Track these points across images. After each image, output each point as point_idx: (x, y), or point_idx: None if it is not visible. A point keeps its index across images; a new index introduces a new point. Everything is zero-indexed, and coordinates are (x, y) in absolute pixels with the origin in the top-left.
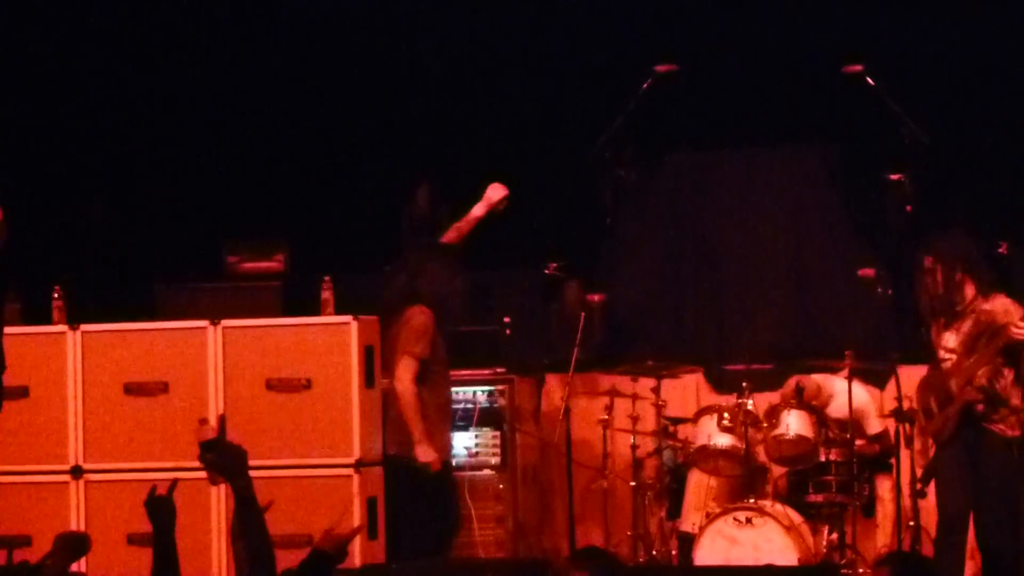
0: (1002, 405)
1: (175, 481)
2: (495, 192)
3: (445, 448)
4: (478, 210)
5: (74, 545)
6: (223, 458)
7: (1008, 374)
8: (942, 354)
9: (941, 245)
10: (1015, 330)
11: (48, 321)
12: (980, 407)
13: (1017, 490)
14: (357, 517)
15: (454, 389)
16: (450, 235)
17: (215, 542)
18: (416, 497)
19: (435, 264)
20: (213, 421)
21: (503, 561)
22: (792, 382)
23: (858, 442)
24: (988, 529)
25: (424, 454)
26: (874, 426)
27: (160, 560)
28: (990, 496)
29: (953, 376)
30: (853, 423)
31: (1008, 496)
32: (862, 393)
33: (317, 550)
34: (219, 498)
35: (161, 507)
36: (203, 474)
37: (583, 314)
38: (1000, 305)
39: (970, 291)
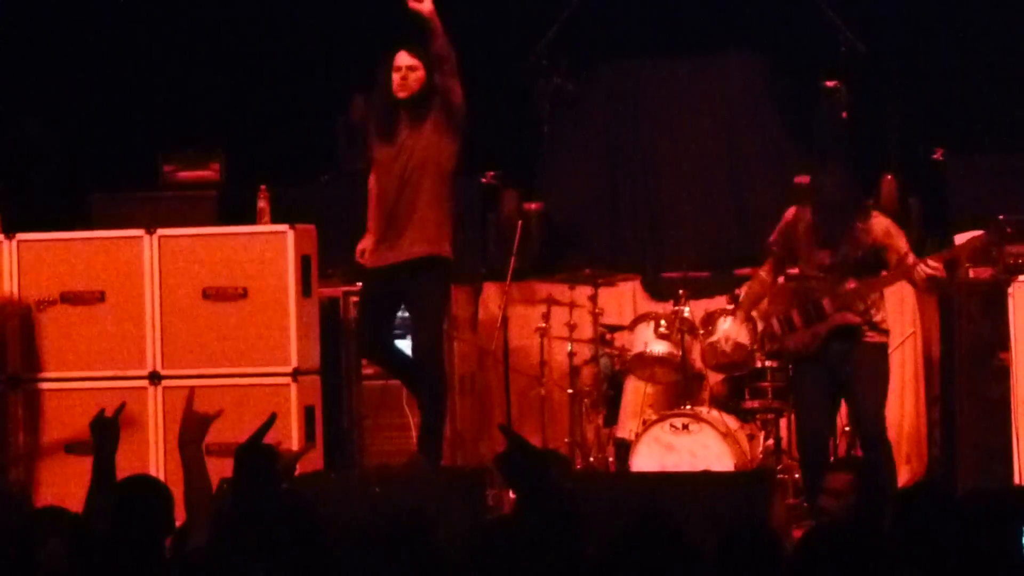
0: (872, 322)
1: (122, 404)
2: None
3: (367, 256)
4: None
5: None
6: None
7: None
8: (812, 271)
9: (820, 181)
10: (925, 269)
11: None
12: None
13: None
14: (295, 429)
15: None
16: None
17: (152, 447)
18: None
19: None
20: None
21: (445, 469)
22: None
23: None
24: (870, 423)
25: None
26: None
27: (98, 479)
28: (867, 393)
29: (827, 295)
30: None
31: (881, 392)
32: None
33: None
34: (156, 408)
35: (105, 428)
36: (141, 383)
37: (520, 223)
38: (880, 225)
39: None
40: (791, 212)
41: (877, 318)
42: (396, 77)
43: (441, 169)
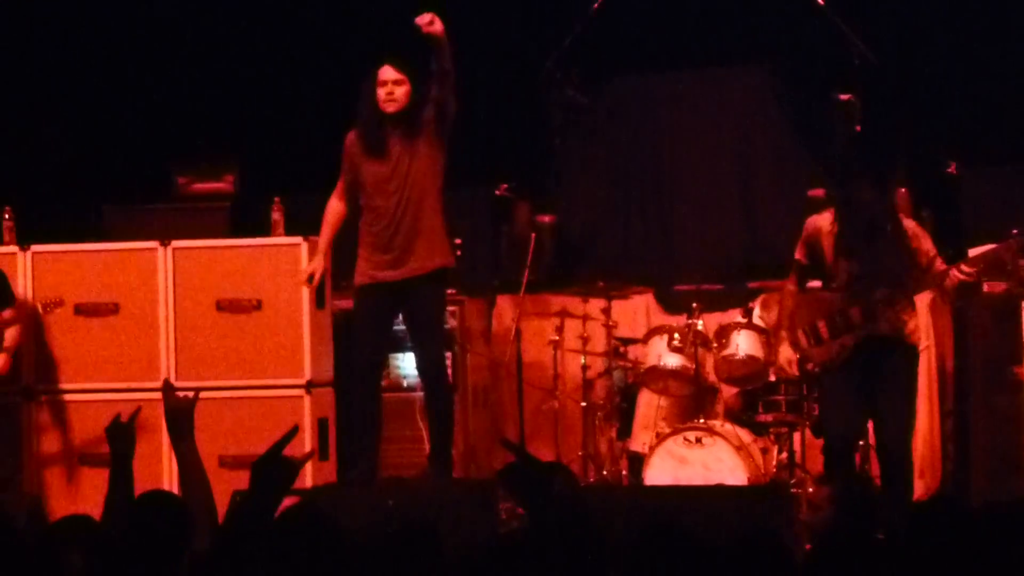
0: (903, 332)
1: (138, 408)
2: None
3: (361, 275)
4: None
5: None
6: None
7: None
8: (839, 281)
9: (850, 195)
10: (958, 275)
11: None
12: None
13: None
14: (309, 440)
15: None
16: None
17: (166, 464)
18: None
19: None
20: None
21: (458, 481)
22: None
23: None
24: (896, 436)
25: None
26: None
27: (116, 485)
28: (894, 407)
29: (856, 305)
30: None
31: (909, 407)
32: None
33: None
34: None
35: (122, 434)
36: (155, 395)
37: (533, 235)
38: (909, 229)
39: None
40: (811, 224)
41: (908, 328)
42: (382, 92)
43: (438, 180)
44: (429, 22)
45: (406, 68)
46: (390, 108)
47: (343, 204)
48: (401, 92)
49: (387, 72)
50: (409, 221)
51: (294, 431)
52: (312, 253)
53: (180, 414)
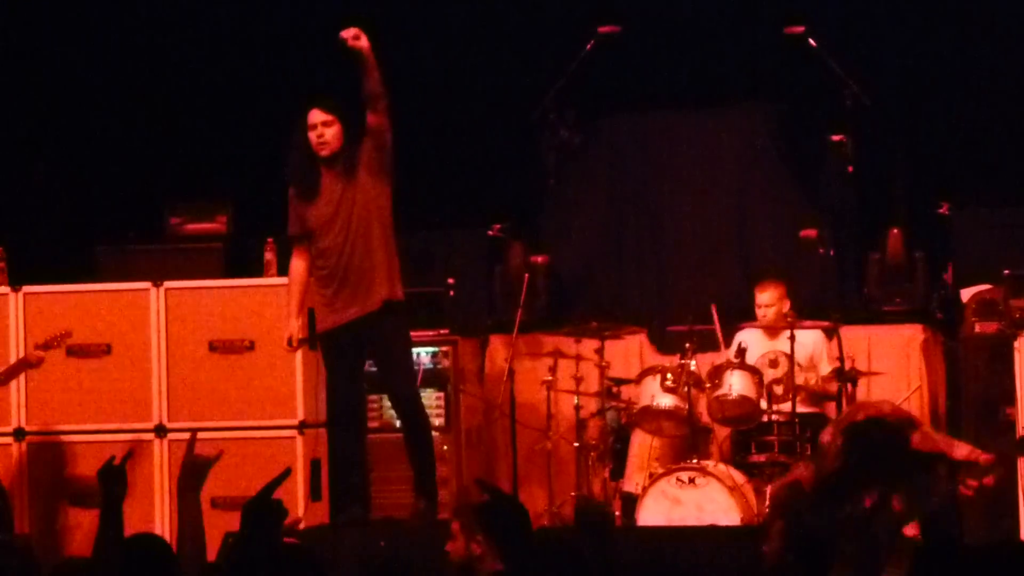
0: None
1: (130, 451)
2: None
3: (321, 321)
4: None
5: None
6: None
7: None
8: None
9: None
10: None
11: None
12: None
13: None
14: (301, 481)
15: None
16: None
17: (158, 500)
18: None
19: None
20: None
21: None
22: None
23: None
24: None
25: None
26: (826, 368)
27: (106, 527)
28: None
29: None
30: (808, 367)
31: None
32: (815, 335)
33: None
34: (162, 457)
35: (114, 476)
36: (147, 436)
37: (527, 275)
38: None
39: None
40: None
41: None
42: (313, 136)
43: (384, 214)
44: (355, 36)
45: (333, 108)
46: (324, 151)
47: (303, 260)
48: (331, 133)
49: (315, 115)
50: (358, 258)
51: (286, 473)
52: (307, 292)
53: (197, 470)
